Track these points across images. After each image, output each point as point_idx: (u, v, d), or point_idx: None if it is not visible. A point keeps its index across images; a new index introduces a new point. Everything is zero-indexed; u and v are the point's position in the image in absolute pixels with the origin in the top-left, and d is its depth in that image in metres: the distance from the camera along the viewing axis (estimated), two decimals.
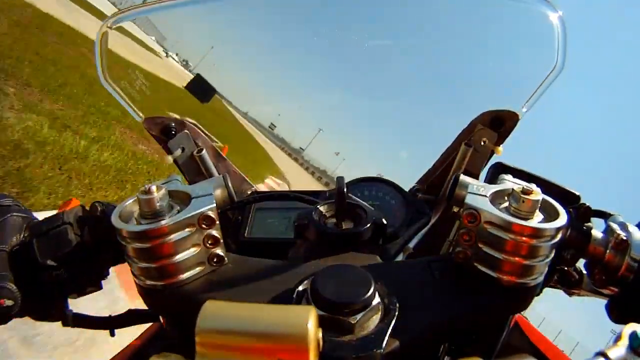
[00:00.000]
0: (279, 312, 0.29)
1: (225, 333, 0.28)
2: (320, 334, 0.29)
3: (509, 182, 0.45)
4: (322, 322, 0.31)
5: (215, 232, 0.41)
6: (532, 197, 0.39)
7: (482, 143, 0.76)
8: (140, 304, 0.47)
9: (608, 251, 0.48)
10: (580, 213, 0.50)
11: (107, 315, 0.59)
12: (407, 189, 0.81)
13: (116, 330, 0.59)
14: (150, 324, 0.63)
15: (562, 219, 0.39)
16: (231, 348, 0.28)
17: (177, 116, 0.82)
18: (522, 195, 0.39)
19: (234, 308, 0.30)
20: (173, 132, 0.79)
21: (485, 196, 0.42)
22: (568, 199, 0.58)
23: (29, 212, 0.51)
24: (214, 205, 0.41)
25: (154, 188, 0.40)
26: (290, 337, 0.27)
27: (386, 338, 0.33)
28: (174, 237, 0.39)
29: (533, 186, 0.40)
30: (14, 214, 0.48)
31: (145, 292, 0.41)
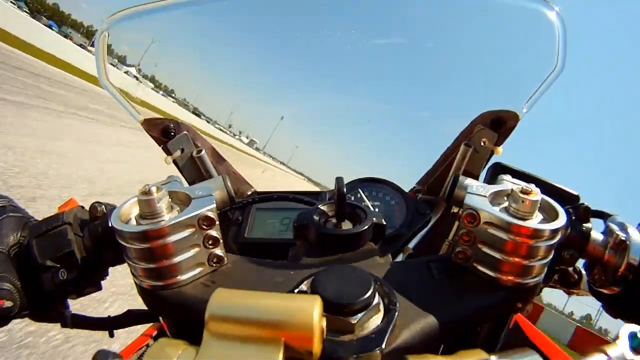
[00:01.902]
0: (286, 300, 0.30)
1: (234, 319, 0.29)
2: (324, 323, 0.30)
3: (508, 183, 0.45)
4: None
5: (215, 233, 0.41)
6: (531, 197, 0.39)
7: (482, 143, 0.76)
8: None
9: (607, 252, 0.48)
10: (579, 213, 0.50)
11: (106, 316, 0.59)
12: (407, 190, 0.81)
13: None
14: (150, 324, 0.63)
15: (562, 220, 0.39)
16: (238, 334, 0.29)
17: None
18: (521, 196, 0.39)
19: (243, 296, 0.31)
20: (172, 134, 0.79)
21: (485, 196, 0.42)
22: (567, 199, 0.58)
23: (25, 212, 0.51)
24: (214, 205, 0.41)
25: (153, 189, 0.40)
26: (297, 324, 0.28)
27: (386, 338, 0.33)
28: (174, 237, 0.39)
29: (532, 186, 0.40)
30: (10, 214, 0.48)
31: (144, 293, 0.41)
